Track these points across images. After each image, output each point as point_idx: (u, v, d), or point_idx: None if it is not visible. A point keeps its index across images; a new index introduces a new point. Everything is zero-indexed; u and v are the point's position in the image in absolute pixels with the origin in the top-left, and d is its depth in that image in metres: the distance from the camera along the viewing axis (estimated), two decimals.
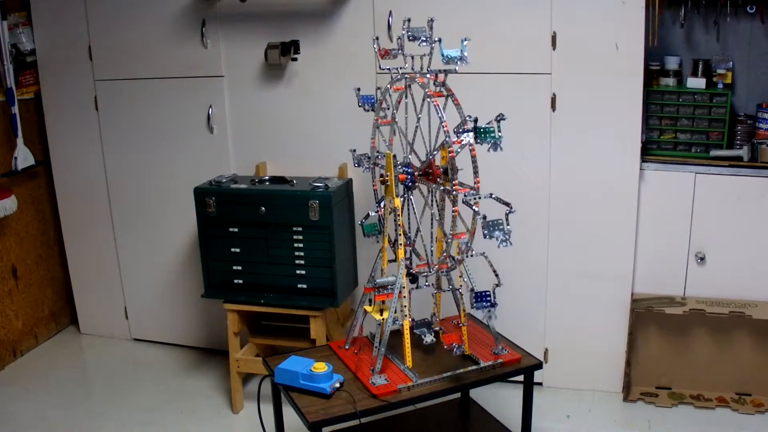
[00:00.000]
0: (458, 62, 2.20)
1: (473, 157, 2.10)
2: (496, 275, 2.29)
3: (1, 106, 3.52)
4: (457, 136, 2.10)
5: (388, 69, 2.38)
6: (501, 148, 2.13)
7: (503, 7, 2.92)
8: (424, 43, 2.29)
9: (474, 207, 2.11)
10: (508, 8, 2.92)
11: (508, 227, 2.16)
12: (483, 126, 2.11)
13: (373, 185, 2.58)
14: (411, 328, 2.37)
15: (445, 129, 2.12)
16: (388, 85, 2.40)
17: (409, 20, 2.31)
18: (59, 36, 3.54)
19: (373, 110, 2.51)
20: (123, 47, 3.44)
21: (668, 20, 3.11)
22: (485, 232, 2.16)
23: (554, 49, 2.91)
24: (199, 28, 3.28)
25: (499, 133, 2.13)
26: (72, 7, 3.46)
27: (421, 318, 2.57)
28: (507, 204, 2.17)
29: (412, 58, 2.35)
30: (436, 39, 2.25)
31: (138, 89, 3.48)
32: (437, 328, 2.54)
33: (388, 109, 2.48)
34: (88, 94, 3.58)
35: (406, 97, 2.43)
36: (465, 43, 2.19)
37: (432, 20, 2.28)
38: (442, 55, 2.19)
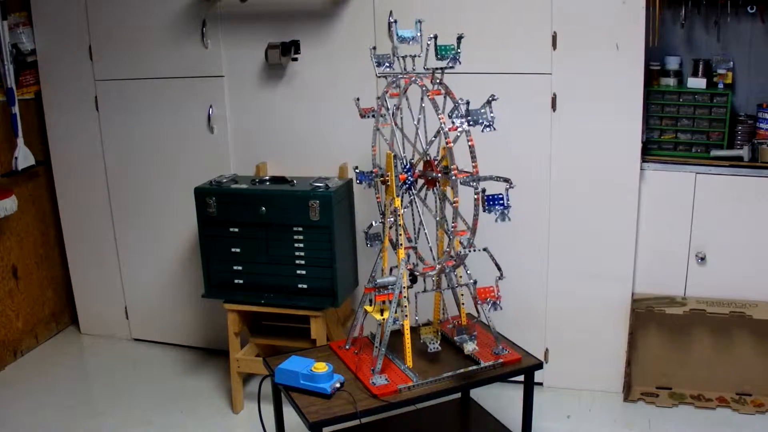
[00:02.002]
0: (451, 61, 2.25)
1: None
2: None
3: (2, 106, 3.52)
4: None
5: (385, 77, 2.40)
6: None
7: (503, 7, 2.92)
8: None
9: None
10: (508, 8, 2.92)
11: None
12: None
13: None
14: (449, 336, 2.37)
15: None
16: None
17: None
18: (59, 36, 3.54)
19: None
20: (123, 47, 3.44)
21: (669, 20, 3.11)
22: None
23: (554, 49, 2.91)
24: (199, 28, 3.28)
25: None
26: (72, 7, 3.46)
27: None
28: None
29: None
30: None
31: (138, 89, 3.48)
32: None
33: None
34: (89, 94, 3.58)
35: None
36: (459, 40, 2.22)
37: (461, 37, 2.29)
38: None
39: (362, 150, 3.11)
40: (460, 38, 2.29)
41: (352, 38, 3.11)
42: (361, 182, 2.59)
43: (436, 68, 2.27)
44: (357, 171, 2.59)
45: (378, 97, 2.54)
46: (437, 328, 2.49)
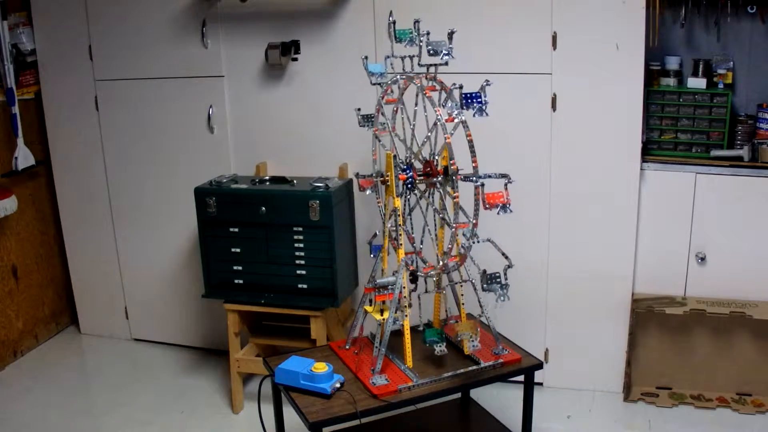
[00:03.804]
0: (444, 56, 2.24)
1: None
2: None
3: (2, 106, 3.52)
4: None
5: (379, 84, 2.42)
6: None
7: (503, 7, 2.92)
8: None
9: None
10: (508, 8, 2.92)
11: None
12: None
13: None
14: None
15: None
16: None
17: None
18: (59, 36, 3.54)
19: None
20: (123, 47, 3.44)
21: (669, 20, 3.11)
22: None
23: (554, 49, 2.91)
24: (199, 28, 3.28)
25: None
26: (72, 7, 3.46)
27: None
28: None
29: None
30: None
31: (138, 89, 3.48)
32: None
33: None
34: (88, 94, 3.58)
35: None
36: (452, 36, 2.24)
37: (453, 32, 2.30)
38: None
39: (362, 150, 3.11)
40: (451, 34, 2.29)
41: (352, 38, 3.11)
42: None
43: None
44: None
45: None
46: (476, 325, 2.41)
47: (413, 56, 2.37)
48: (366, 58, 2.50)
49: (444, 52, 2.28)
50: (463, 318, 2.44)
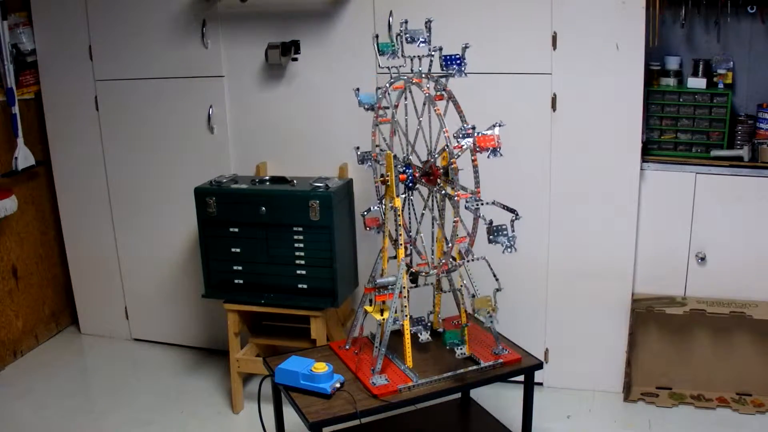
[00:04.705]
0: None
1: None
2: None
3: (2, 106, 3.52)
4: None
5: (388, 68, 2.38)
6: (501, 154, 2.13)
7: (503, 7, 2.92)
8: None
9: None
10: (508, 8, 2.92)
11: (513, 233, 2.16)
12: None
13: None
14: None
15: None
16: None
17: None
18: (59, 36, 3.54)
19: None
20: (123, 47, 3.44)
21: (669, 20, 3.11)
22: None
23: (554, 49, 2.91)
24: (199, 28, 3.28)
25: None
26: (72, 7, 3.46)
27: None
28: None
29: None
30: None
31: (138, 89, 3.48)
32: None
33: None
34: (88, 94, 3.58)
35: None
36: (466, 49, 2.21)
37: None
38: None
39: (364, 147, 3.11)
40: (465, 48, 2.24)
41: (352, 38, 3.11)
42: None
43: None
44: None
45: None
46: (493, 301, 2.34)
47: (421, 56, 2.36)
48: (358, 89, 2.51)
49: (421, 39, 2.29)
50: (463, 319, 2.43)
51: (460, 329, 2.37)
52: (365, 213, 2.54)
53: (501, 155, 2.14)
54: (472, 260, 2.23)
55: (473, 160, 2.10)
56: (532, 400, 2.47)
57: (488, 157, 2.14)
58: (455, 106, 2.19)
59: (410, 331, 2.32)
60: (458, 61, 2.20)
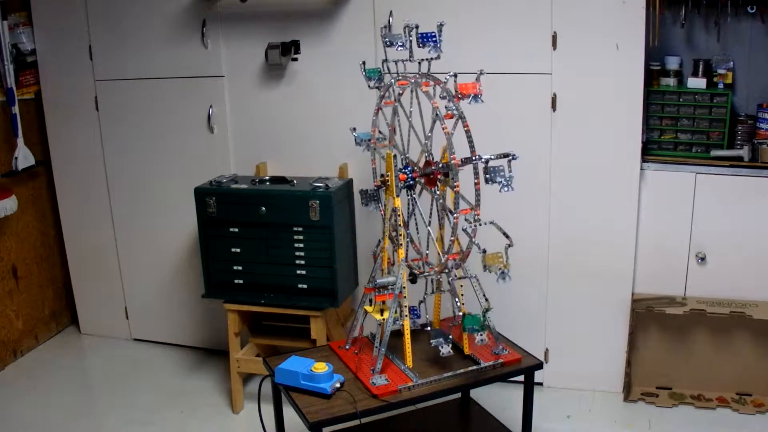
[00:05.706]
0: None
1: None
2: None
3: (2, 106, 3.52)
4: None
5: (388, 70, 2.39)
6: (482, 101, 2.13)
7: (504, 7, 2.92)
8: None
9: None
10: (508, 8, 2.92)
11: (510, 173, 2.15)
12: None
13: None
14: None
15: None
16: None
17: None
18: (59, 36, 3.54)
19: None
20: (123, 47, 3.44)
21: (669, 20, 3.11)
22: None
23: (554, 49, 2.91)
24: (199, 28, 3.28)
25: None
26: (72, 7, 3.46)
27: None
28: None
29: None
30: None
31: (138, 89, 3.48)
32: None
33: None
34: (88, 94, 3.58)
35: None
36: (441, 27, 2.26)
37: (442, 24, 2.30)
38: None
39: (362, 150, 3.11)
40: (440, 26, 2.30)
41: (352, 38, 3.11)
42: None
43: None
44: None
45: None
46: (505, 257, 2.32)
47: (405, 60, 2.37)
48: (364, 62, 2.51)
49: (399, 43, 2.30)
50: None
51: (481, 313, 2.30)
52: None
53: (482, 101, 2.16)
54: (481, 224, 2.18)
55: (476, 185, 2.10)
56: (532, 400, 2.47)
57: (469, 103, 2.15)
58: (464, 126, 2.15)
59: (431, 344, 2.26)
60: (433, 39, 2.25)
